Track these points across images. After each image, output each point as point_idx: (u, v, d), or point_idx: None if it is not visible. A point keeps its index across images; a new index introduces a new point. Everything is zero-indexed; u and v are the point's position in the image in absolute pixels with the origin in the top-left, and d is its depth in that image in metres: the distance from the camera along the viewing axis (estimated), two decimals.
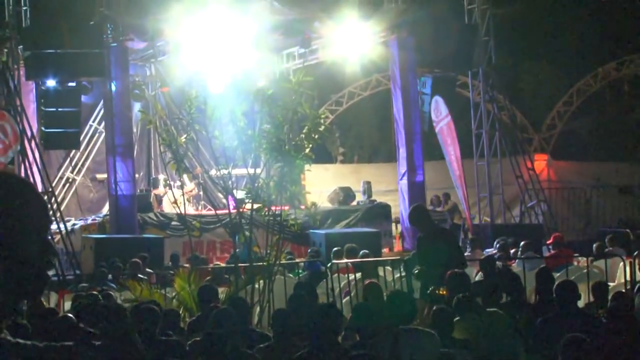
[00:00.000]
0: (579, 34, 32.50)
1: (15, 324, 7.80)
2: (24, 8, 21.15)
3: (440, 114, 26.00)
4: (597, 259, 16.84)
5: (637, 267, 14.84)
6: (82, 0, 20.84)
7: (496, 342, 8.13)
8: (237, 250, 14.92)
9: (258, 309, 12.96)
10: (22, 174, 19.97)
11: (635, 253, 16.20)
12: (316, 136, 14.43)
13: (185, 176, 21.30)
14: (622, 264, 15.98)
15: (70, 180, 25.74)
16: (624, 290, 12.60)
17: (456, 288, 10.29)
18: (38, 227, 2.61)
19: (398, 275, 15.18)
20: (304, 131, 14.03)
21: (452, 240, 13.66)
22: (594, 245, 18.44)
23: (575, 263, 17.16)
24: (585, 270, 15.25)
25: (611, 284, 13.76)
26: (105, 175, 23.26)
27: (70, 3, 20.90)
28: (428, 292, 11.17)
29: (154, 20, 20.69)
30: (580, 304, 10.17)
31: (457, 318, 8.90)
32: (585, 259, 16.80)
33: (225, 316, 8.88)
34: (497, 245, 19.20)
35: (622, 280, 15.11)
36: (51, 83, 21.42)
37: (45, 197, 19.74)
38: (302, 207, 19.36)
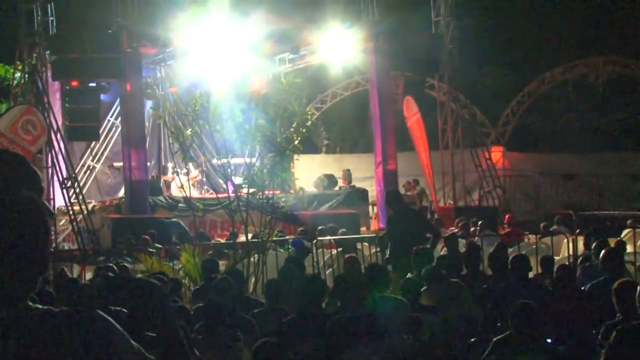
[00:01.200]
0: (530, 42, 32.51)
1: (40, 292, 7.77)
2: (51, 18, 21.13)
3: (411, 111, 26.07)
4: (545, 236, 16.89)
5: (578, 243, 14.87)
6: (101, 11, 20.70)
7: (458, 308, 8.12)
8: None
9: (253, 279, 12.96)
10: (49, 162, 20.04)
11: (577, 231, 16.26)
12: (304, 130, 14.44)
13: (190, 164, 21.29)
14: (565, 240, 16.01)
15: (91, 167, 25.70)
16: (567, 263, 12.62)
17: (423, 261, 10.31)
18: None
19: (374, 250, 15.20)
20: (294, 126, 14.02)
21: (421, 218, 13.70)
22: (542, 225, 18.55)
23: (526, 240, 17.23)
24: (534, 246, 15.28)
25: (556, 258, 13.79)
26: (121, 163, 23.18)
27: (90, 14, 20.79)
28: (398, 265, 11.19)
29: (163, 29, 20.64)
30: (530, 274, 10.18)
31: (424, 287, 8.90)
32: (534, 236, 16.87)
33: (225, 285, 8.86)
34: (459, 225, 19.24)
35: (566, 255, 15.16)
36: (74, 83, 21.51)
37: (69, 183, 19.74)
38: (292, 191, 19.39)
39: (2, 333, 2.40)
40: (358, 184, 24.76)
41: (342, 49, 23.15)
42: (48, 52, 21.31)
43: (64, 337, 2.44)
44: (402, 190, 23.31)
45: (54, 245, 17.96)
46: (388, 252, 12.65)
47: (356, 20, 23.00)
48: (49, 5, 20.97)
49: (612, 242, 12.32)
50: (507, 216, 21.68)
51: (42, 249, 2.52)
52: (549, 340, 7.04)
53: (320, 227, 17.82)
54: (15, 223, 2.46)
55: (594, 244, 12.01)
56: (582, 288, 9.11)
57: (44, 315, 2.47)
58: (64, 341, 2.43)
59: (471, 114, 29.43)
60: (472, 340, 7.57)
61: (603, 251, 10.30)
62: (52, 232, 19.05)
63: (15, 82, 21.42)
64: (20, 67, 21.10)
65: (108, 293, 9.34)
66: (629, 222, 18.57)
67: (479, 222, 19.34)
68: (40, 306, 2.50)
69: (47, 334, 2.43)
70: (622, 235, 16.15)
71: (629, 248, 14.01)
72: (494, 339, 6.94)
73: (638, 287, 6.05)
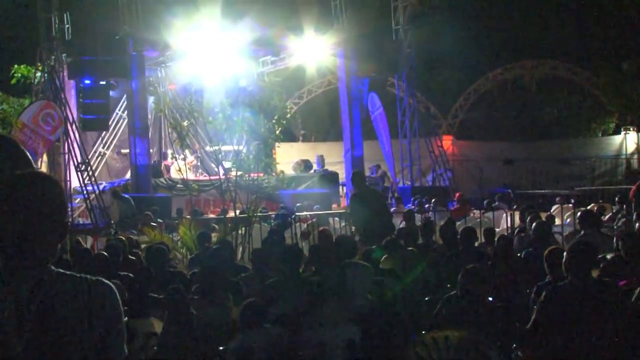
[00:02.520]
0: (475, 47, 32.58)
1: (60, 259, 7.76)
2: (67, 26, 21.06)
3: (374, 106, 26.06)
4: (487, 211, 16.99)
5: (515, 217, 14.96)
6: (110, 20, 20.58)
7: (413, 272, 8.16)
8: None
9: (241, 248, 12.97)
10: (66, 149, 20.02)
11: (514, 207, 16.35)
12: (283, 122, 14.50)
13: (187, 151, 21.25)
14: (505, 215, 16.14)
15: (102, 154, 25.55)
16: (506, 234, 12.69)
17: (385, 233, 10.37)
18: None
19: (344, 224, 15.24)
20: (275, 118, 14.04)
21: (380, 197, 13.73)
22: (485, 202, 18.65)
23: (472, 214, 17.30)
24: (478, 220, 15.35)
25: (497, 229, 13.88)
26: (127, 150, 23.09)
27: (101, 22, 20.67)
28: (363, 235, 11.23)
29: (163, 35, 20.60)
30: (475, 244, 10.24)
31: (385, 255, 8.93)
32: (479, 211, 16.93)
33: (217, 254, 8.87)
34: (415, 202, 19.34)
35: (505, 227, 15.28)
36: (87, 82, 21.42)
37: (83, 167, 19.69)
38: (273, 174, 19.44)
39: (31, 291, 2.44)
40: (330, 168, 24.77)
41: (315, 52, 23.20)
42: (64, 54, 21.23)
43: (76, 297, 2.50)
44: (367, 173, 23.47)
45: (70, 220, 17.87)
46: (354, 223, 12.71)
47: (328, 28, 23.01)
48: (65, 15, 20.92)
49: (543, 216, 12.43)
50: (456, 195, 21.79)
51: (60, 218, 2.56)
52: (490, 299, 7.10)
53: (298, 204, 17.89)
54: (36, 196, 2.50)
55: (528, 218, 12.12)
56: (518, 255, 9.17)
57: (63, 278, 2.52)
58: (75, 300, 2.49)
59: (426, 108, 29.58)
60: (426, 299, 7.62)
61: (535, 224, 10.39)
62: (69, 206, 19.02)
63: (36, 80, 21.29)
64: (40, 68, 20.98)
65: (118, 260, 9.35)
66: (557, 199, 18.73)
67: (432, 200, 19.46)
68: (61, 270, 2.55)
69: (64, 293, 2.49)
70: (551, 211, 16.29)
71: (557, 221, 14.13)
72: (444, 297, 7.00)
73: (564, 254, 6.11)
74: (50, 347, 2.42)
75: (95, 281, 2.58)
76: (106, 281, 2.62)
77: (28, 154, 3.09)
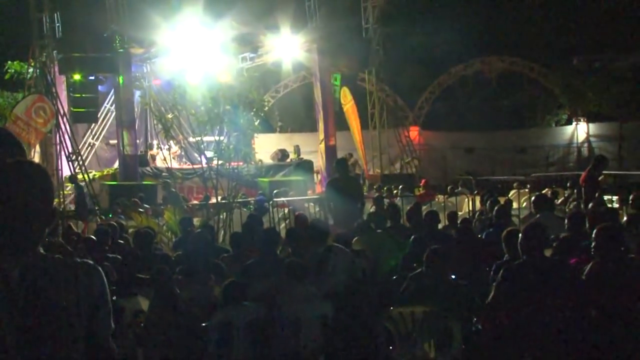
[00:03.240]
0: (439, 44, 32.66)
1: (50, 243, 7.71)
2: (57, 24, 20.92)
3: (346, 99, 26.11)
4: (451, 196, 17.04)
5: (476, 201, 15.05)
6: (98, 19, 20.51)
7: (382, 253, 8.19)
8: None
9: (222, 232, 12.93)
10: (58, 140, 19.94)
11: (475, 192, 16.45)
12: (261, 114, 14.49)
13: (171, 141, 21.23)
14: (467, 199, 16.22)
15: (91, 144, 25.40)
16: (467, 217, 12.77)
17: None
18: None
19: (318, 209, 15.25)
20: (253, 111, 14.02)
21: (357, 183, 13.79)
22: (449, 187, 18.76)
23: (436, 199, 17.40)
24: (442, 204, 15.43)
25: (460, 213, 13.94)
26: (115, 141, 22.98)
27: (89, 20, 20.57)
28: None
29: (148, 33, 20.50)
30: (439, 226, 10.29)
31: (356, 237, 8.95)
32: (443, 196, 17.03)
33: (199, 237, 8.84)
34: (385, 188, 19.37)
35: (467, 210, 15.38)
36: (77, 77, 21.34)
37: (74, 157, 19.58)
38: (252, 163, 19.41)
39: (20, 274, 2.43)
40: (305, 157, 24.76)
41: (291, 49, 23.15)
42: (55, 51, 21.09)
43: (64, 279, 2.49)
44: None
45: (62, 207, 17.75)
46: (329, 208, 12.71)
47: (302, 27, 22.99)
48: (55, 14, 20.81)
49: (502, 200, 12.50)
50: (422, 181, 21.86)
51: (47, 204, 2.55)
52: (453, 276, 7.14)
53: (275, 191, 17.86)
54: (22, 183, 2.49)
55: (488, 202, 12.19)
56: (479, 236, 9.24)
57: (52, 261, 2.52)
58: (63, 282, 2.48)
59: (394, 101, 29.60)
60: (394, 277, 7.65)
61: (495, 207, 10.46)
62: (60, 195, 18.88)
63: (29, 75, 21.16)
64: (33, 64, 20.88)
65: (107, 243, 9.31)
66: (514, 185, 18.86)
67: (400, 186, 19.52)
68: (49, 254, 2.56)
69: (53, 276, 2.48)
70: (509, 195, 16.41)
71: (515, 205, 14.23)
72: (411, 275, 7.03)
73: (520, 234, 6.15)
74: (41, 327, 2.41)
75: (82, 264, 2.58)
76: (92, 263, 2.62)
77: (21, 144, 3.07)
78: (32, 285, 2.42)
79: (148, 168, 22.53)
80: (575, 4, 32.06)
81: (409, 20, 30.97)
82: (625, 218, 9.12)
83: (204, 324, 6.54)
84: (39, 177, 2.55)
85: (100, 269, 2.61)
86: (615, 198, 13.21)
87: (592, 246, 6.24)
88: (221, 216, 13.51)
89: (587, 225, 7.74)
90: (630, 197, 9.84)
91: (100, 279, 2.59)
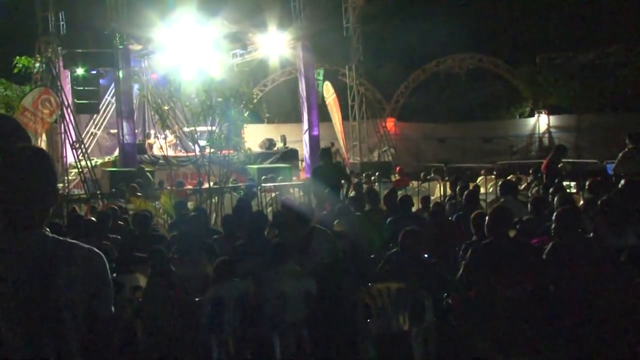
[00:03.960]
0: (414, 42, 32.66)
1: (52, 223, 7.67)
2: (62, 22, 20.86)
3: (328, 92, 26.06)
4: (424, 182, 17.09)
5: (447, 187, 15.07)
6: (100, 17, 20.38)
7: (361, 234, 8.19)
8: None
9: (214, 215, 12.88)
10: (62, 130, 19.93)
11: (446, 178, 16.46)
12: (250, 106, 14.44)
13: (167, 131, 21.11)
14: (438, 185, 16.23)
15: (94, 134, 25.27)
16: (439, 201, 12.79)
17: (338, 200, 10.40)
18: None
19: (302, 193, 15.23)
20: (243, 103, 13.97)
21: (342, 167, 13.80)
22: (422, 174, 18.75)
23: (411, 185, 17.39)
24: (416, 189, 15.47)
25: (432, 197, 13.97)
26: (115, 130, 22.87)
27: (91, 19, 20.45)
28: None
29: (146, 31, 20.45)
30: (413, 209, 10.30)
31: (337, 220, 8.94)
32: (416, 182, 17.05)
33: (193, 220, 8.81)
34: (364, 175, 19.40)
35: (438, 195, 15.37)
36: (80, 71, 21.24)
37: (77, 145, 19.49)
38: (242, 151, 19.35)
39: (25, 254, 2.40)
40: (291, 146, 24.72)
41: (278, 46, 23.13)
42: (60, 47, 21.00)
43: (67, 260, 2.46)
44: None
45: (66, 191, 17.67)
46: (313, 193, 12.69)
47: (288, 26, 22.95)
48: (60, 13, 20.76)
49: (470, 186, 12.52)
50: (397, 168, 21.89)
51: (50, 186, 2.55)
52: (426, 255, 7.16)
53: (263, 177, 17.81)
54: (27, 166, 2.47)
55: (458, 187, 12.20)
56: (450, 218, 9.25)
57: (56, 242, 2.48)
58: (66, 263, 2.45)
59: (372, 95, 29.58)
60: (372, 256, 7.66)
61: (464, 192, 10.47)
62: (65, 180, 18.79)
63: (35, 70, 21.07)
64: (39, 59, 20.79)
65: (108, 224, 9.27)
66: (482, 172, 18.88)
67: (377, 173, 19.55)
68: (54, 235, 2.52)
69: (57, 256, 2.45)
70: (477, 181, 16.43)
71: (482, 190, 14.26)
72: (387, 254, 7.04)
73: (486, 217, 6.16)
74: (43, 306, 2.38)
75: (85, 248, 2.55)
76: (94, 248, 2.58)
77: (27, 132, 3.06)
78: (36, 264, 2.39)
79: (146, 155, 22.46)
80: (537, 6, 32.13)
81: (386, 20, 30.92)
82: (582, 202, 9.16)
83: (197, 299, 6.53)
84: (40, 161, 2.53)
85: (101, 254, 2.58)
86: (573, 184, 13.26)
87: (552, 228, 6.27)
88: (213, 200, 13.47)
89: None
90: (587, 183, 9.88)
91: (102, 263, 2.56)
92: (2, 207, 2.43)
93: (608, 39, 28.53)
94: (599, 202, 7.28)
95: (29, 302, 2.36)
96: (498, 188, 11.19)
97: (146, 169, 20.34)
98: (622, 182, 9.31)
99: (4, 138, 2.91)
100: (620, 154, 11.66)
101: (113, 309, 2.61)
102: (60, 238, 2.52)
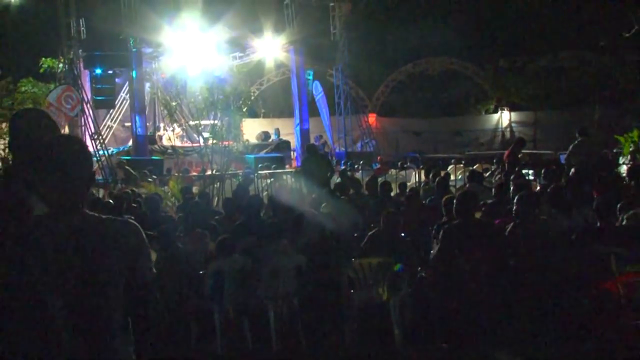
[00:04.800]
0: (392, 46, 32.60)
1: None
2: (82, 28, 20.70)
3: (317, 91, 26.01)
4: (401, 170, 17.11)
5: (422, 174, 15.09)
6: (115, 23, 20.23)
7: (346, 216, 8.17)
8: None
9: (216, 198, 12.84)
10: (82, 122, 19.89)
11: (421, 167, 16.48)
12: (248, 102, 14.38)
13: (175, 124, 21.14)
14: (414, 172, 16.26)
15: (110, 126, 25.08)
16: (415, 187, 12.81)
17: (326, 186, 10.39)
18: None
19: (293, 180, 15.21)
20: (242, 100, 13.93)
21: (327, 160, 13.76)
22: (400, 163, 18.77)
23: (390, 172, 17.38)
24: (395, 176, 15.47)
25: (408, 184, 13.95)
26: (129, 123, 22.72)
27: (108, 25, 20.27)
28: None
29: (156, 36, 20.41)
30: (392, 194, 10.30)
31: (324, 203, 8.93)
32: (395, 170, 17.05)
33: (198, 203, 8.78)
34: (348, 163, 19.38)
35: (414, 181, 15.42)
36: (98, 71, 21.10)
37: (96, 136, 19.48)
38: (241, 142, 19.35)
39: (72, 231, 2.40)
40: (284, 138, 24.64)
41: (273, 50, 23.11)
42: (80, 50, 20.85)
43: (108, 233, 2.47)
44: (312, 141, 23.44)
45: None
46: (303, 180, 12.68)
47: (282, 32, 22.88)
48: (80, 20, 20.63)
49: (442, 173, 12.52)
50: (378, 158, 21.92)
51: (89, 171, 2.55)
52: (403, 234, 7.16)
53: (259, 165, 17.80)
54: (70, 154, 2.47)
55: (431, 175, 12.22)
56: (424, 202, 9.26)
57: (96, 219, 2.49)
58: (107, 235, 2.46)
59: (356, 93, 29.53)
60: (355, 234, 7.65)
61: (436, 179, 10.48)
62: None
63: (59, 70, 20.92)
64: (62, 60, 20.66)
65: (123, 206, 9.22)
66: (452, 161, 18.89)
67: (361, 162, 19.53)
68: (94, 213, 2.54)
69: (99, 231, 2.45)
70: (448, 169, 16.44)
71: (452, 177, 14.28)
72: (369, 233, 7.04)
73: (454, 200, 6.16)
74: (91, 276, 2.38)
75: (121, 220, 2.58)
76: (129, 220, 2.59)
77: (55, 123, 3.06)
78: (82, 239, 2.39)
79: (156, 146, 22.37)
80: (501, 17, 32.13)
81: (368, 27, 30.76)
82: (538, 188, 9.18)
83: (201, 272, 6.51)
84: (80, 148, 2.54)
85: (136, 224, 2.58)
86: (531, 172, 13.28)
87: (512, 210, 6.28)
88: (215, 185, 13.43)
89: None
90: (542, 172, 9.91)
91: (138, 231, 2.56)
92: (50, 191, 2.42)
93: (561, 46, 28.66)
94: (552, 188, 7.30)
95: (78, 274, 2.36)
96: (466, 175, 11.20)
97: (156, 157, 20.29)
98: (572, 170, 9.36)
99: (37, 127, 2.91)
100: (571, 146, 11.71)
101: (155, 273, 2.61)
102: (99, 215, 2.52)
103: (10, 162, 3.03)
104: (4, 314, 2.33)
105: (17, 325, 2.32)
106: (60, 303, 2.32)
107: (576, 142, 11.61)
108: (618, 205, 6.55)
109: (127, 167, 17.35)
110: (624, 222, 6.28)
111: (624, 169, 11.53)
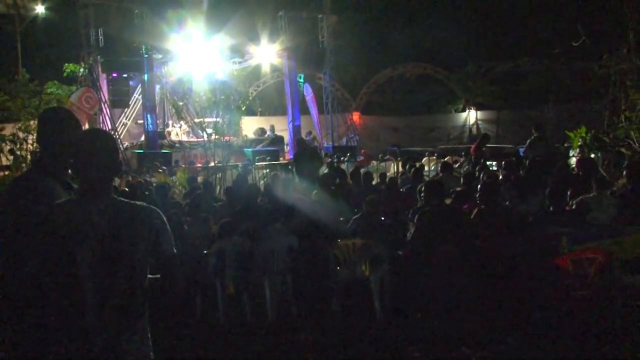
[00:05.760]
0: (374, 53, 32.53)
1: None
2: (100, 37, 20.54)
3: (308, 92, 25.92)
4: (382, 161, 17.11)
5: (399, 165, 15.09)
6: (129, 33, 20.14)
7: (333, 202, 8.15)
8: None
9: (218, 187, 12.80)
10: (100, 120, 19.84)
11: (399, 159, 16.49)
12: (247, 102, 14.32)
13: (182, 121, 21.06)
14: (393, 164, 16.26)
15: (125, 123, 24.90)
16: (393, 176, 12.82)
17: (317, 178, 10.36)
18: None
19: (287, 171, 15.18)
20: (241, 99, 13.88)
21: (316, 153, 13.73)
22: (380, 155, 18.75)
23: (371, 164, 17.39)
24: (376, 167, 15.47)
25: (388, 173, 13.99)
26: (142, 121, 22.56)
27: (123, 34, 20.16)
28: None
29: (165, 44, 20.37)
30: (373, 183, 10.30)
31: (315, 190, 8.92)
32: (376, 162, 17.04)
33: (201, 191, 8.74)
34: (335, 156, 19.35)
35: (393, 171, 15.41)
36: (114, 75, 21.12)
37: (112, 132, 19.39)
38: (240, 137, 19.28)
39: (104, 212, 2.41)
40: (278, 133, 24.54)
41: (268, 56, 23.04)
42: (99, 56, 20.72)
43: (133, 215, 2.46)
44: (303, 136, 23.39)
45: None
46: (295, 171, 12.65)
47: (276, 40, 22.82)
48: (99, 30, 20.50)
49: (417, 165, 12.55)
50: (362, 151, 21.90)
51: (117, 160, 2.54)
52: (382, 218, 7.17)
53: (256, 157, 17.74)
54: (101, 144, 2.48)
55: (407, 166, 12.23)
56: (401, 190, 9.27)
57: (123, 203, 2.48)
58: (133, 217, 2.45)
59: (341, 94, 29.44)
60: (341, 219, 7.65)
61: (412, 170, 10.49)
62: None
63: (80, 73, 20.80)
64: (83, 65, 20.58)
65: (136, 194, 9.16)
66: (426, 154, 18.89)
67: (346, 155, 19.51)
68: (120, 198, 2.52)
69: (126, 213, 2.45)
70: (422, 161, 16.47)
71: (426, 168, 14.31)
72: (353, 217, 7.03)
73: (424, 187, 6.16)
74: (120, 250, 2.39)
75: (145, 205, 2.56)
76: (151, 205, 2.58)
77: (78, 120, 3.09)
78: (112, 219, 2.40)
79: (165, 140, 22.25)
80: (467, 26, 32.14)
81: (352, 36, 30.62)
82: (500, 177, 9.22)
83: (205, 252, 6.49)
84: (109, 140, 2.55)
85: (157, 208, 2.58)
86: (494, 163, 13.32)
87: (478, 196, 6.29)
88: (217, 175, 13.39)
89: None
90: (503, 163, 9.96)
91: (158, 214, 2.55)
92: (84, 178, 2.43)
93: (520, 54, 28.80)
94: (512, 177, 7.33)
95: (109, 252, 2.36)
96: (438, 166, 11.21)
97: (165, 150, 20.20)
98: (529, 162, 9.40)
99: (62, 123, 2.91)
100: (528, 141, 11.76)
101: (175, 250, 2.60)
102: (125, 199, 2.51)
103: (38, 155, 2.99)
104: (39, 286, 2.34)
105: (51, 298, 2.33)
106: (90, 276, 2.33)
107: (533, 137, 11.66)
108: (568, 192, 6.59)
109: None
110: (573, 207, 6.33)
111: (573, 161, 11.58)
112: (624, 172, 7.29)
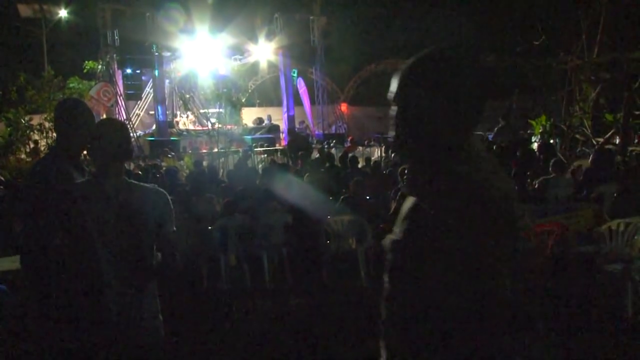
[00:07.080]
0: (360, 50, 32.32)
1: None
2: (116, 37, 20.41)
3: (300, 85, 25.78)
4: (367, 147, 17.09)
5: (382, 151, 15.06)
6: (142, 33, 19.95)
7: (323, 184, 8.08)
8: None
9: (221, 170, 12.74)
10: (117, 111, 19.77)
11: (382, 145, 16.46)
12: (246, 94, 14.22)
13: (188, 112, 20.91)
14: (377, 149, 16.23)
15: (138, 114, 24.65)
16: (377, 160, 12.78)
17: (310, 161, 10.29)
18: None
19: (280, 155, 15.12)
20: (241, 92, 13.80)
21: (307, 140, 13.67)
22: (366, 141, 18.72)
23: (358, 149, 17.35)
24: (362, 152, 15.43)
25: (372, 158, 13.97)
26: (153, 112, 22.39)
27: (136, 35, 19.97)
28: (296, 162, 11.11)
29: (173, 43, 20.25)
30: (359, 166, 10.26)
31: (307, 174, 8.86)
32: (362, 147, 17.00)
33: (207, 173, 8.67)
34: (325, 142, 19.29)
35: (377, 156, 15.40)
36: (129, 71, 20.98)
37: (127, 122, 19.31)
38: (240, 126, 19.17)
39: (115, 191, 2.38)
40: (275, 122, 24.40)
41: (265, 53, 22.90)
42: (115, 54, 20.54)
43: (142, 196, 2.43)
44: (297, 125, 23.30)
45: None
46: (289, 157, 12.59)
47: (272, 39, 22.68)
48: (115, 31, 20.37)
49: None
50: (349, 137, 21.83)
51: (128, 145, 2.50)
52: (367, 197, 7.14)
53: (255, 144, 17.65)
54: (114, 132, 2.44)
55: (390, 151, 12.19)
56: (384, 172, 9.24)
57: (133, 185, 2.45)
58: (142, 197, 2.42)
59: (331, 87, 29.28)
60: (331, 198, 7.61)
61: (394, 154, 10.44)
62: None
63: (98, 70, 20.61)
64: (101, 62, 20.41)
65: (149, 176, 9.08)
66: None
67: (334, 141, 19.44)
68: (131, 180, 2.49)
69: (136, 193, 2.42)
70: None
71: None
72: (342, 197, 6.99)
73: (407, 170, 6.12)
74: (131, 225, 2.37)
75: (152, 186, 2.53)
76: (158, 187, 2.55)
77: (91, 111, 3.08)
78: (123, 199, 2.38)
79: (174, 129, 22.11)
80: (445, 25, 31.97)
81: (340, 35, 30.37)
82: None
83: (209, 227, 6.44)
84: (122, 127, 2.52)
85: (164, 190, 2.53)
86: None
87: None
88: (220, 160, 13.33)
89: None
90: None
91: (165, 196, 2.51)
92: (99, 162, 2.40)
93: (486, 50, 28.65)
94: None
95: (121, 229, 2.34)
96: None
97: (174, 138, 20.07)
98: (495, 147, 9.38)
99: (73, 111, 2.87)
100: (496, 128, 11.76)
101: (175, 228, 2.56)
102: (135, 182, 2.48)
103: (55, 142, 2.95)
104: (62, 257, 2.34)
105: (71, 268, 2.33)
106: (104, 247, 2.31)
107: (500, 125, 11.65)
108: (529, 173, 6.58)
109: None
110: (535, 186, 6.31)
111: (535, 146, 11.59)
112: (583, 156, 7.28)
